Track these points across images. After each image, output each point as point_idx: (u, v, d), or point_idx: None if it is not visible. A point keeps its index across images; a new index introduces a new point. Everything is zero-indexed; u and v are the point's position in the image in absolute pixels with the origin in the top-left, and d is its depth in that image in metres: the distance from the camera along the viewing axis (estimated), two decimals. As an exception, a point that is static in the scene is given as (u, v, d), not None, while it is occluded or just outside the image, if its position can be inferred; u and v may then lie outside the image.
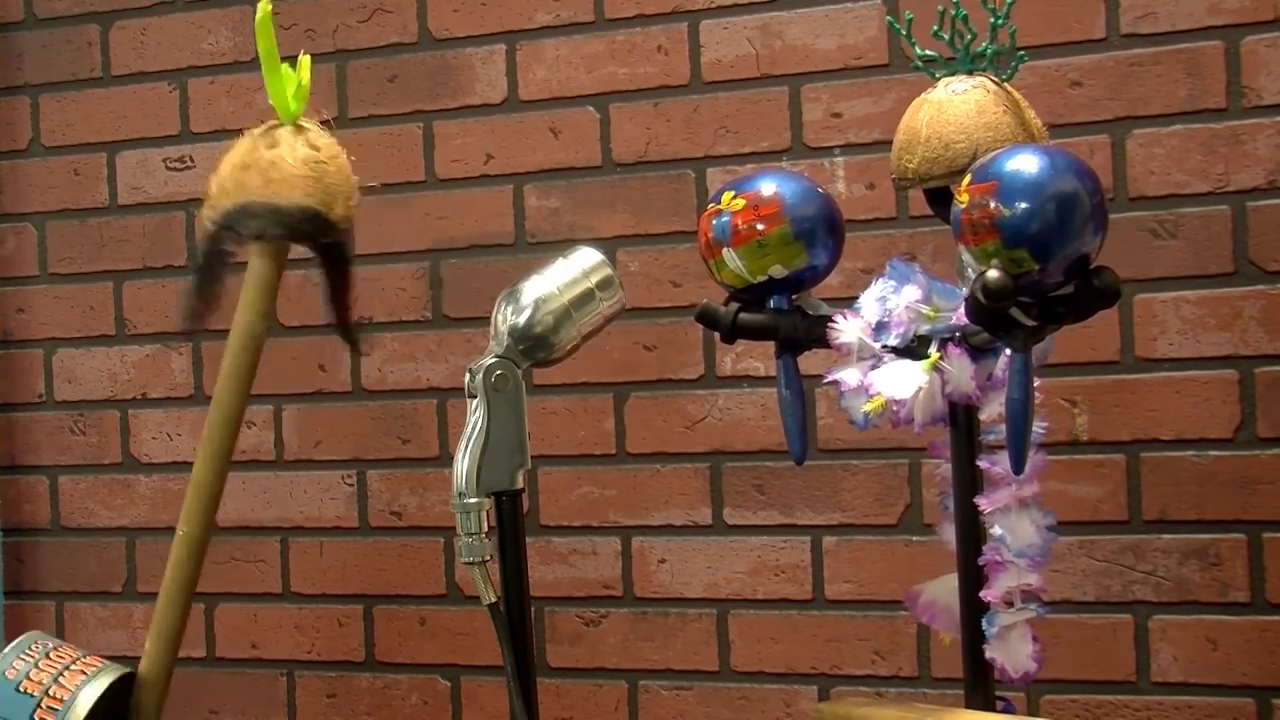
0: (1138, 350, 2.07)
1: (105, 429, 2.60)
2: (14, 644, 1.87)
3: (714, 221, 1.70)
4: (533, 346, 1.74)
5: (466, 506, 1.69)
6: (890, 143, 2.16)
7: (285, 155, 1.86)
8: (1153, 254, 2.05)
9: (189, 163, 2.54)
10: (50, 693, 1.81)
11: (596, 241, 1.98)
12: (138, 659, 2.01)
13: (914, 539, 2.17)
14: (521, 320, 1.74)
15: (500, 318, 1.76)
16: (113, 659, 1.96)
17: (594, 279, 1.77)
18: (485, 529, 1.69)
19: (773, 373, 2.22)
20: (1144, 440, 2.07)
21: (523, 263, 2.20)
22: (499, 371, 1.72)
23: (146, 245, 2.57)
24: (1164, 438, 2.06)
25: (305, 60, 1.89)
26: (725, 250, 1.70)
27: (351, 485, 2.45)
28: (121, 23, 2.59)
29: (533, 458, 1.77)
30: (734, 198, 1.70)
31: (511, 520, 1.73)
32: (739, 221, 1.68)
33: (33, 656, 1.85)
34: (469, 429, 1.71)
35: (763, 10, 2.24)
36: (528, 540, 1.78)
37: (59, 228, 2.63)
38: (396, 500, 2.43)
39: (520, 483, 1.73)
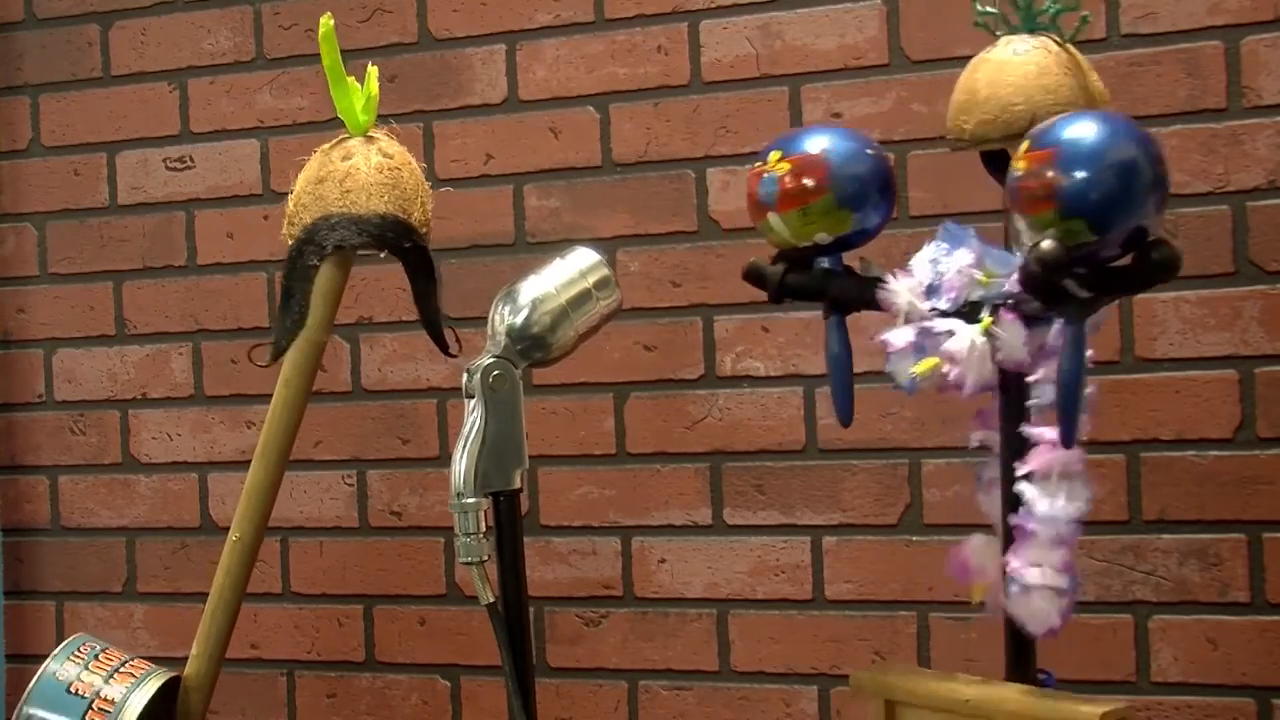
0: (1138, 350, 2.07)
1: (105, 429, 2.60)
2: (63, 646, 1.91)
3: (759, 184, 1.67)
4: (530, 346, 1.74)
5: (465, 507, 1.69)
6: (889, 143, 2.17)
7: (360, 165, 1.88)
8: (1153, 254, 2.05)
9: (189, 163, 2.55)
10: (101, 694, 1.85)
11: (596, 241, 1.98)
12: (137, 658, 2.01)
13: (914, 539, 2.17)
14: (519, 320, 1.74)
15: (498, 318, 1.76)
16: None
17: (591, 279, 1.78)
18: (483, 529, 1.69)
19: (773, 373, 2.23)
20: (1144, 440, 2.07)
21: (522, 263, 2.20)
22: (496, 372, 1.72)
23: (146, 245, 2.57)
24: (1164, 438, 2.06)
25: (373, 71, 1.91)
26: (770, 215, 1.66)
27: (351, 485, 2.45)
28: (121, 23, 2.59)
29: (533, 458, 1.77)
30: (780, 159, 1.66)
31: (510, 520, 1.73)
32: (782, 187, 1.65)
33: (82, 659, 1.89)
34: (467, 429, 1.71)
35: (763, 10, 2.24)
36: (527, 540, 1.78)
37: (59, 228, 2.63)
38: (396, 500, 2.43)
39: (518, 483, 1.73)
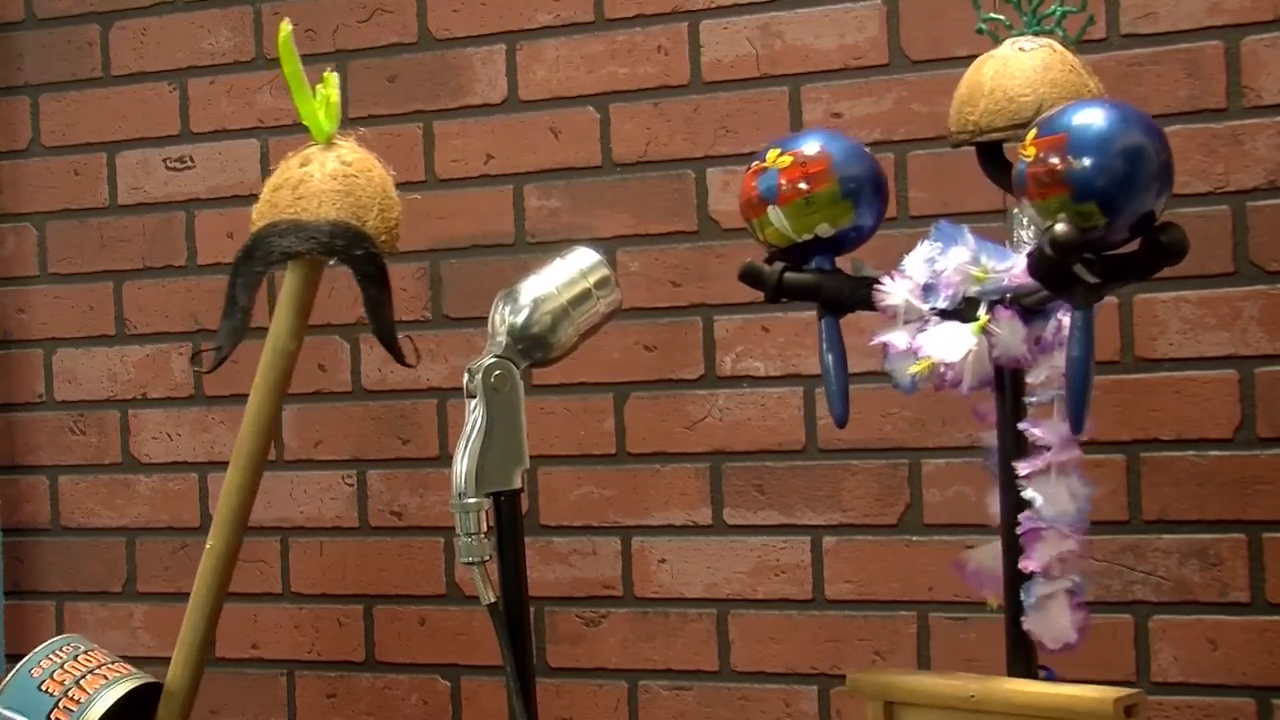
0: (1138, 350, 2.07)
1: (105, 429, 2.60)
2: (47, 644, 1.91)
3: (759, 179, 1.69)
4: (531, 346, 1.74)
5: (466, 506, 1.69)
6: (889, 143, 2.17)
7: (314, 172, 1.88)
8: (1153, 254, 2.05)
9: (189, 163, 2.54)
10: (69, 694, 1.84)
11: (596, 241, 1.98)
12: (138, 659, 2.01)
13: (914, 539, 2.17)
14: (520, 320, 1.74)
15: (498, 318, 1.76)
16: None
17: (592, 279, 1.78)
18: (485, 529, 1.69)
19: (773, 373, 2.23)
20: (1144, 440, 2.07)
21: (522, 263, 2.20)
22: (498, 371, 1.72)
23: (146, 245, 2.57)
24: (1164, 438, 2.06)
25: (332, 78, 1.91)
26: (770, 208, 1.68)
27: (351, 485, 2.45)
28: (121, 23, 2.59)
29: (533, 458, 1.77)
30: (780, 155, 1.68)
31: (510, 520, 1.73)
32: (785, 179, 1.67)
33: (61, 657, 1.88)
34: (468, 429, 1.71)
35: (763, 10, 2.24)
36: (528, 540, 1.78)
37: (59, 228, 2.63)
38: (396, 500, 2.43)
39: (519, 482, 1.73)
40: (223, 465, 2.49)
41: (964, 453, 2.12)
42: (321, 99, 1.90)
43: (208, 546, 1.93)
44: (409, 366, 1.94)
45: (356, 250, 1.86)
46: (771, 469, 2.23)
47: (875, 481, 2.19)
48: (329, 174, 1.87)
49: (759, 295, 2.20)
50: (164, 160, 2.56)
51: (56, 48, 2.63)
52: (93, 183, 2.61)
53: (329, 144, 1.90)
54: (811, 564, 2.22)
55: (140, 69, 2.58)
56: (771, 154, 1.69)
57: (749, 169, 1.72)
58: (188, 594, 2.53)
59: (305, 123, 1.90)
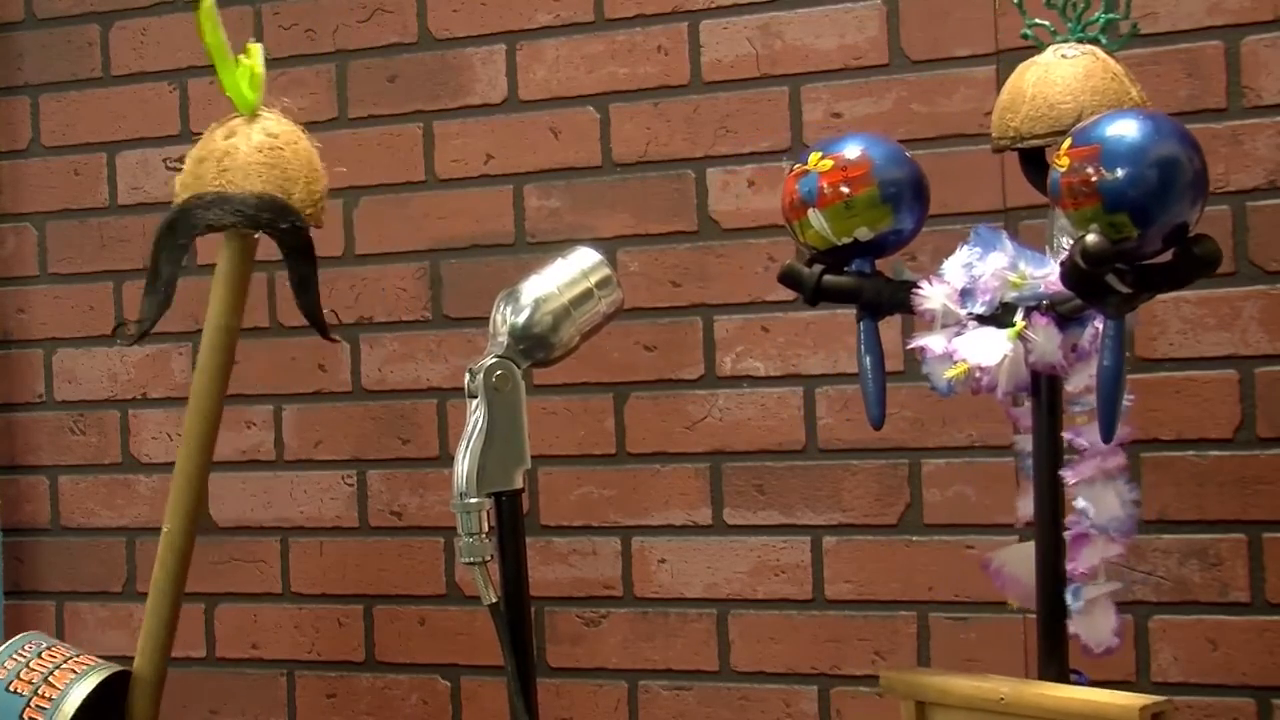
0: (1138, 350, 2.07)
1: (105, 429, 2.60)
2: (8, 644, 1.90)
3: (800, 182, 1.70)
4: (532, 346, 1.74)
5: (468, 507, 1.69)
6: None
7: (239, 144, 1.87)
8: (1153, 254, 2.05)
9: (189, 163, 2.54)
10: (40, 692, 1.83)
11: (596, 241, 1.98)
12: (84, 655, 2.01)
13: (914, 539, 2.17)
14: (521, 320, 1.74)
15: (500, 318, 1.76)
16: (112, 659, 1.96)
17: (593, 279, 1.78)
18: (486, 529, 1.69)
19: (772, 373, 2.23)
20: (1144, 440, 2.06)
21: (523, 263, 2.20)
22: (499, 371, 1.72)
23: (146, 245, 2.56)
24: (1164, 438, 2.06)
25: (255, 48, 1.90)
26: (811, 211, 1.69)
27: (351, 485, 2.45)
28: (121, 23, 2.59)
29: (533, 458, 1.77)
30: (821, 158, 1.69)
31: (511, 520, 1.73)
32: (826, 183, 1.68)
33: (24, 656, 1.87)
34: (470, 429, 1.71)
35: (763, 10, 2.24)
36: (528, 540, 1.78)
37: (59, 228, 2.63)
38: (396, 500, 2.43)
39: (520, 482, 1.73)
40: (222, 464, 2.51)
41: (964, 453, 2.13)
42: (245, 70, 1.88)
43: (164, 530, 1.92)
44: (334, 342, 1.94)
45: (282, 224, 1.85)
46: (771, 469, 2.23)
47: (875, 481, 2.19)
48: (254, 146, 1.86)
49: (759, 295, 2.22)
50: (164, 160, 2.56)
51: (56, 48, 2.62)
52: (93, 183, 2.61)
53: (253, 115, 1.89)
54: (811, 564, 2.22)
55: (140, 69, 2.58)
56: (813, 157, 1.70)
57: (790, 171, 1.72)
58: (187, 594, 2.51)
59: (228, 94, 1.89)
